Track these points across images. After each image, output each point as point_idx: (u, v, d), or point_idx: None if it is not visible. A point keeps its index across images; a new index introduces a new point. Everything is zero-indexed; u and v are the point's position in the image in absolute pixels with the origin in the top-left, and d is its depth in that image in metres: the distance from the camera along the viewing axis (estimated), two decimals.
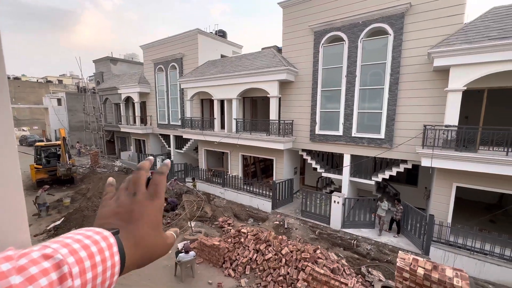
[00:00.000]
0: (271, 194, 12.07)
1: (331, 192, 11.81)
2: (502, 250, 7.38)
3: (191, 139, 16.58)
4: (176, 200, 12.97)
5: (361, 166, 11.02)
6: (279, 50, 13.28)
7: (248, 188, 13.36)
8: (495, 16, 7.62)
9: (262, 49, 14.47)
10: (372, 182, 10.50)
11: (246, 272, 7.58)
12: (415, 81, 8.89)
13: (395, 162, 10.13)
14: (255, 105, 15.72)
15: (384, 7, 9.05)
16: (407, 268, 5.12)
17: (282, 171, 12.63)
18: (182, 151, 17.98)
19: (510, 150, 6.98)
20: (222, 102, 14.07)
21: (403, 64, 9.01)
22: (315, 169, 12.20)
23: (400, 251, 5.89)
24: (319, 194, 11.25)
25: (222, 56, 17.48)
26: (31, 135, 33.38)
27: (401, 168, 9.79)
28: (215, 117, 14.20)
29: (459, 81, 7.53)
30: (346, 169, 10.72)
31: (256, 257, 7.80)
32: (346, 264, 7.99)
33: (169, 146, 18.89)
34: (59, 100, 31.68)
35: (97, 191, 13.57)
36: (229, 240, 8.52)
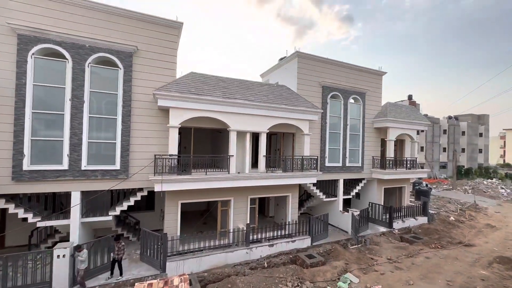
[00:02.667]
0: None
1: (55, 244, 9.05)
2: (209, 243, 10.24)
3: None
4: None
5: (95, 203, 9.75)
6: None
7: None
8: (193, 78, 10.95)
9: None
10: (110, 218, 9.67)
11: None
12: (145, 115, 9.90)
13: (132, 192, 10.28)
14: None
15: (112, 40, 9.23)
16: None
17: None
18: None
19: (208, 170, 10.12)
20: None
21: (134, 99, 9.67)
22: (24, 219, 8.67)
23: (136, 283, 5.86)
24: (30, 255, 8.03)
25: None
26: None
27: (138, 197, 10.13)
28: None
29: (176, 119, 9.62)
30: (75, 210, 8.86)
31: None
32: None
33: None
34: None
35: None
36: None
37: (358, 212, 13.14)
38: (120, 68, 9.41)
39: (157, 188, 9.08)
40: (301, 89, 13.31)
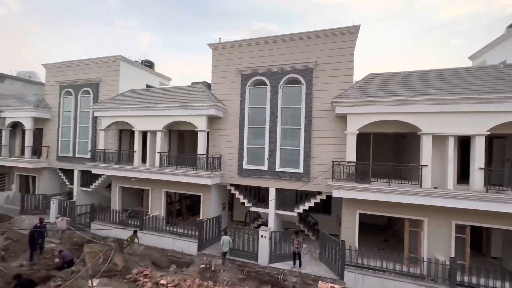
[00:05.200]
0: (197, 234, 11.19)
1: (259, 226, 11.92)
2: (394, 266, 8.82)
3: (103, 174, 14.23)
4: (72, 253, 10.34)
5: (285, 199, 11.72)
6: (208, 86, 13.71)
7: (171, 229, 12.04)
8: (372, 80, 10.17)
9: (192, 83, 14.60)
10: (295, 214, 11.22)
11: None
12: (324, 124, 10.57)
13: (312, 194, 11.26)
14: (182, 138, 15.15)
15: (296, 61, 10.83)
16: None
17: (210, 208, 12.07)
18: (90, 189, 15.09)
19: (391, 181, 8.87)
20: (144, 134, 12.95)
21: (314, 109, 10.66)
22: (243, 203, 12.21)
23: (320, 282, 6.25)
24: (247, 230, 11.15)
25: (148, 86, 16.63)
26: None
27: (318, 199, 10.92)
28: (135, 150, 12.79)
29: (354, 126, 9.39)
30: (272, 203, 11.17)
31: None
32: None
33: (72, 183, 15.58)
34: None
35: None
36: None
37: None
38: (303, 84, 10.78)
39: (335, 193, 9.28)
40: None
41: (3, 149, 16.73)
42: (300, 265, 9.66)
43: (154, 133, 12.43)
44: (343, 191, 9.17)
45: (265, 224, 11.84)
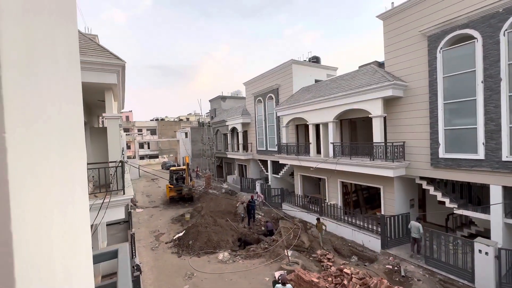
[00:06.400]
0: (379, 229, 10.20)
1: (471, 236, 8.73)
2: None
3: (287, 164, 16.84)
4: (272, 225, 13.11)
5: None
6: (380, 65, 11.98)
7: (349, 220, 11.87)
8: None
9: (360, 67, 13.46)
10: None
11: None
12: None
13: None
14: (354, 127, 14.42)
15: None
16: None
17: (393, 203, 10.55)
18: (279, 176, 18.45)
19: None
20: (317, 126, 13.74)
21: None
22: (441, 203, 9.49)
23: None
24: (452, 238, 8.49)
25: (316, 81, 17.52)
26: (168, 161, 43.73)
27: None
28: (310, 141, 13.93)
29: None
30: (497, 207, 7.70)
31: None
32: None
33: (267, 171, 19.89)
34: (186, 134, 40.40)
35: (209, 210, 15.67)
36: (330, 279, 7.58)
37: None
38: None
39: None
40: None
41: (229, 147, 24.81)
42: None
43: (326, 124, 12.82)
44: None
45: (482, 234, 8.44)
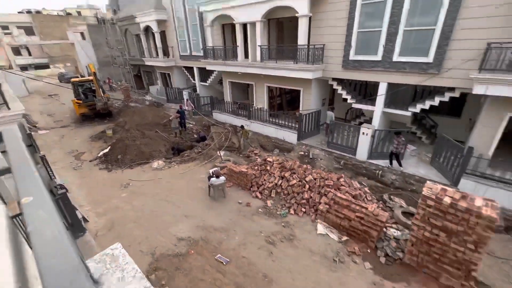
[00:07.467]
0: (297, 126, 12.00)
1: (360, 124, 11.35)
2: None
3: (215, 70, 16.07)
4: (204, 133, 13.64)
5: (397, 96, 10.06)
6: None
7: (273, 120, 13.35)
8: None
9: None
10: (409, 114, 9.71)
11: (272, 195, 8.32)
12: None
13: (440, 91, 8.99)
14: (281, 29, 14.04)
15: None
16: (433, 197, 5.12)
17: (309, 103, 12.11)
18: (207, 84, 17.78)
19: None
20: (245, 28, 12.70)
21: None
22: (345, 100, 11.47)
23: (428, 181, 5.82)
24: (347, 126, 10.89)
25: None
26: (66, 72, 34.98)
27: (446, 97, 8.73)
28: (238, 45, 13.13)
29: None
30: (380, 99, 9.89)
31: (281, 183, 8.38)
32: (368, 191, 8.30)
33: (194, 79, 18.70)
34: (82, 34, 31.37)
35: (134, 124, 14.62)
36: (256, 168, 9.09)
37: None
38: None
39: (478, 90, 7.03)
40: None
41: (145, 52, 21.08)
42: (400, 165, 9.18)
43: (253, 24, 11.95)
44: (492, 87, 6.77)
45: (368, 122, 11.10)
